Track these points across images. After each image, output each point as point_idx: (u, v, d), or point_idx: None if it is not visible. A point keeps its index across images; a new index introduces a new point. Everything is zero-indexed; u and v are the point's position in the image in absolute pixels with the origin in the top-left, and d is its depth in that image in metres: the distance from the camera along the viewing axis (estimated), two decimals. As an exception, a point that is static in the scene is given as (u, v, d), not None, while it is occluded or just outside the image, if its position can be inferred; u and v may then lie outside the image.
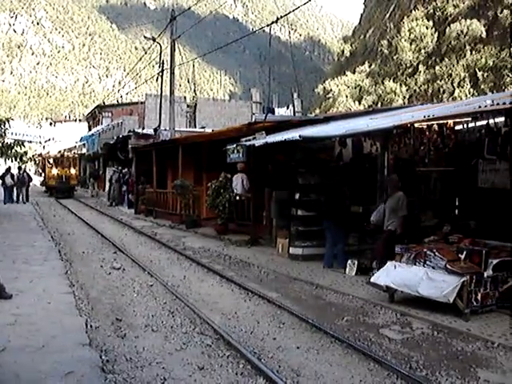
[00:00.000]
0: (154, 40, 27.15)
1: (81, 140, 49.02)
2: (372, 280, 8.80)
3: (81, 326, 6.93)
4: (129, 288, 9.64)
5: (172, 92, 25.45)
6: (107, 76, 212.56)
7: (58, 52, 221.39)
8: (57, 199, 34.14)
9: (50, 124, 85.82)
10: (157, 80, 26.86)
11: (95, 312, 7.95)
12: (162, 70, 25.87)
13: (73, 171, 38.46)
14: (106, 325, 7.29)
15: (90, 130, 54.41)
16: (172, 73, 25.01)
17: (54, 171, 37.59)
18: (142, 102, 39.80)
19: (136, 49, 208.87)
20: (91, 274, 10.85)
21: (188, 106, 37.59)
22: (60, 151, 45.71)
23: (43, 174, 41.41)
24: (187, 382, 5.41)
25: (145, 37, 33.69)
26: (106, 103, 50.97)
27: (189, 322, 7.58)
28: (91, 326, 7.06)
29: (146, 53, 31.65)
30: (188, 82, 29.98)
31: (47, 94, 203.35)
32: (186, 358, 6.07)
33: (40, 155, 50.79)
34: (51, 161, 38.70)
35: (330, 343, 6.73)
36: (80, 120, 72.38)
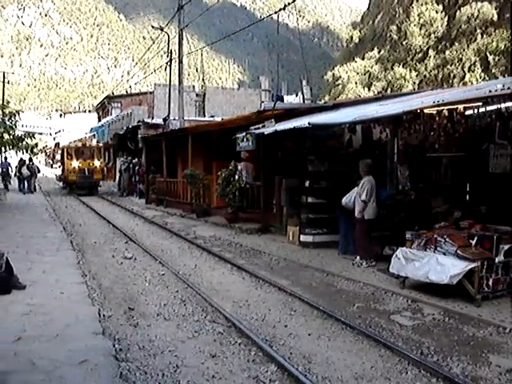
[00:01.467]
0: (161, 30, 27.10)
1: (91, 131, 49.22)
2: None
3: (94, 316, 7.00)
4: (140, 277, 9.71)
5: (181, 81, 25.43)
6: (116, 66, 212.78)
7: (67, 43, 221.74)
8: (78, 196, 29.31)
9: (60, 115, 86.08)
10: (166, 70, 26.88)
11: (107, 301, 8.01)
12: (171, 60, 25.85)
13: (97, 163, 31.48)
14: (119, 314, 7.35)
15: (99, 120, 54.63)
16: (180, 62, 24.97)
17: (75, 163, 30.93)
18: (150, 92, 39.85)
19: (144, 38, 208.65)
20: (103, 263, 10.93)
21: (197, 95, 37.59)
22: (81, 139, 40.83)
23: (61, 167, 34.63)
24: (200, 369, 5.46)
25: (152, 26, 33.65)
26: (115, 94, 51.06)
27: (200, 310, 7.63)
28: (104, 315, 7.13)
29: (153, 42, 31.67)
30: (197, 71, 29.89)
31: (56, 85, 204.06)
32: (198, 346, 6.11)
33: (57, 145, 49.69)
34: (71, 151, 32.00)
35: (341, 330, 6.74)
36: (89, 111, 72.69)
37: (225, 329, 6.76)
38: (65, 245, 12.65)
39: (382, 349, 6.03)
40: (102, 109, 55.09)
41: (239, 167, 16.43)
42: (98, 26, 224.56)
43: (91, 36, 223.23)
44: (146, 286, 9.04)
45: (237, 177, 16.18)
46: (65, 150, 32.70)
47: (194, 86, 38.77)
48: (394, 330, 6.71)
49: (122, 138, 33.01)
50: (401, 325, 6.93)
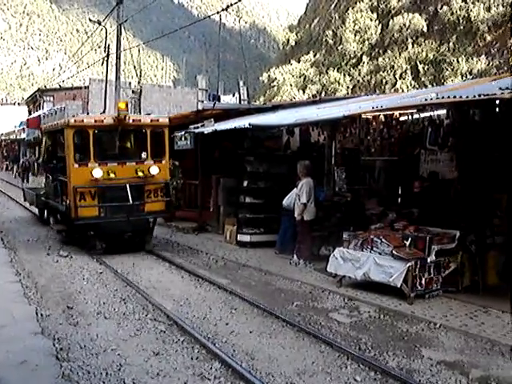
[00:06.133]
0: (99, 23, 26.50)
1: (20, 125, 47.39)
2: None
3: (31, 315, 6.86)
4: (78, 275, 9.54)
5: (118, 77, 24.99)
6: (47, 59, 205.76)
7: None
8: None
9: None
10: (102, 64, 26.28)
11: (45, 300, 7.85)
12: (108, 55, 25.34)
13: (155, 169, 15.14)
14: (57, 313, 7.22)
15: (30, 114, 52.67)
16: (118, 58, 24.54)
17: (97, 171, 11.86)
18: (85, 87, 38.84)
19: (78, 31, 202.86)
20: (38, 262, 10.65)
21: (133, 91, 36.94)
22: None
23: (50, 178, 24.68)
24: (144, 367, 5.46)
25: (90, 20, 32.72)
26: (48, 87, 49.46)
27: (141, 308, 7.61)
28: (42, 315, 7.00)
29: (88, 37, 30.97)
30: (134, 68, 29.37)
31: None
32: (140, 344, 6.11)
33: None
34: (88, 137, 19.27)
35: (281, 327, 6.91)
36: (19, 104, 69.87)
37: (167, 327, 6.79)
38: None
39: (321, 345, 6.23)
40: (33, 102, 53.18)
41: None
42: (28, 14, 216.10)
43: (20, 25, 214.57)
44: (84, 285, 8.91)
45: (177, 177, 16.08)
46: (69, 133, 11.82)
47: (130, 83, 38.13)
48: (332, 327, 6.93)
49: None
50: (339, 322, 7.17)
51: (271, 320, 7.20)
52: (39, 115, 38.75)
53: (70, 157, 11.33)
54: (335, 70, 64.66)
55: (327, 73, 65.99)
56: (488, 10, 48.36)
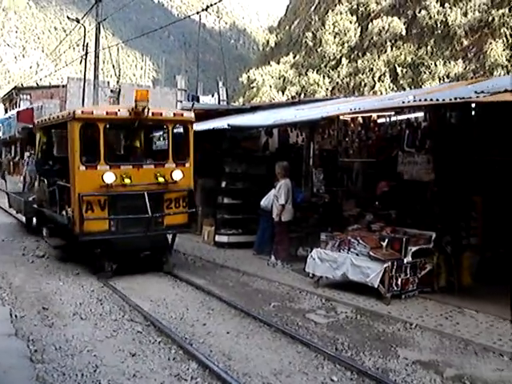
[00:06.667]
0: (77, 21, 26.32)
1: (-4, 122, 46.72)
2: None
3: (5, 316, 6.77)
4: (54, 276, 9.43)
5: (96, 76, 24.79)
6: (24, 56, 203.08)
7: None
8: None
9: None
10: (80, 63, 26.10)
11: (19, 301, 7.74)
12: (86, 53, 25.18)
13: (178, 174, 10.73)
14: (32, 314, 7.13)
15: (6, 112, 51.96)
16: (97, 56, 24.35)
17: (109, 176, 10.00)
18: (63, 86, 38.48)
19: (55, 29, 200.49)
20: (12, 262, 10.50)
21: (112, 91, 36.72)
22: None
23: (35, 185, 17.98)
24: (120, 368, 5.42)
25: (68, 17, 32.58)
26: (24, 85, 48.86)
27: (118, 309, 7.55)
28: (16, 316, 6.92)
29: (67, 35, 30.69)
30: (113, 67, 29.12)
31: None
32: (117, 345, 6.06)
33: None
34: (101, 128, 10.59)
35: (258, 328, 6.91)
36: (-5, 101, 68.80)
37: (144, 327, 6.75)
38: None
39: (298, 345, 6.25)
40: (10, 100, 52.48)
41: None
42: (4, 10, 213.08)
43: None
44: (60, 286, 8.80)
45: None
46: (75, 127, 9.36)
47: (108, 82, 37.87)
48: (309, 328, 6.96)
49: (32, 132, 31.63)
50: (316, 322, 7.20)
51: (248, 320, 7.20)
52: (32, 107, 37.58)
53: (76, 157, 9.14)
54: (314, 72, 65.04)
55: (306, 74, 66.37)
56: (465, 15, 49.12)
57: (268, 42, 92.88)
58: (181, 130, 10.47)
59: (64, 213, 9.63)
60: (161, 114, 10.08)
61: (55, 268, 10.08)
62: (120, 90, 37.36)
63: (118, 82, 36.28)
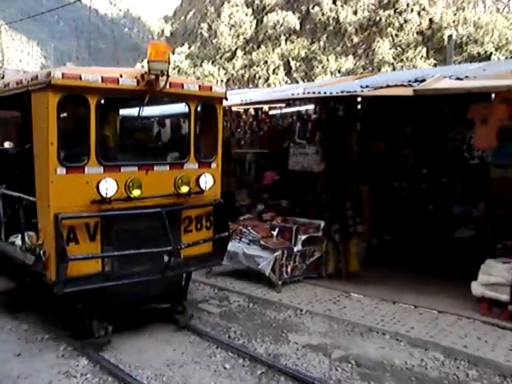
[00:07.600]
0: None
1: None
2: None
3: None
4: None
5: (-24, 61, 23.23)
6: None
7: None
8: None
9: None
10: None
11: None
12: (-35, 36, 23.48)
13: (209, 179, 6.81)
14: None
15: None
16: (-24, 39, 22.82)
17: (109, 182, 5.94)
18: None
19: None
20: None
21: (-6, 77, 34.59)
22: None
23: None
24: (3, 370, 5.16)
25: None
26: None
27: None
28: None
29: None
30: (-5, 50, 27.38)
31: None
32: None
33: None
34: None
35: (149, 319, 6.82)
36: None
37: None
38: None
39: (191, 335, 6.30)
40: None
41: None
42: None
43: None
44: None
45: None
46: (49, 101, 5.38)
47: (-10, 67, 35.60)
48: (202, 318, 7.02)
49: None
50: (209, 312, 7.28)
51: (139, 312, 7.09)
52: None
53: (50, 153, 5.36)
54: (210, 63, 64.90)
55: (201, 65, 66.06)
56: (355, 13, 51.08)
57: (163, 31, 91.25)
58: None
59: (25, 246, 5.90)
60: (182, 86, 6.40)
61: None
62: (3, 76, 35.30)
63: (1, 67, 34.26)
